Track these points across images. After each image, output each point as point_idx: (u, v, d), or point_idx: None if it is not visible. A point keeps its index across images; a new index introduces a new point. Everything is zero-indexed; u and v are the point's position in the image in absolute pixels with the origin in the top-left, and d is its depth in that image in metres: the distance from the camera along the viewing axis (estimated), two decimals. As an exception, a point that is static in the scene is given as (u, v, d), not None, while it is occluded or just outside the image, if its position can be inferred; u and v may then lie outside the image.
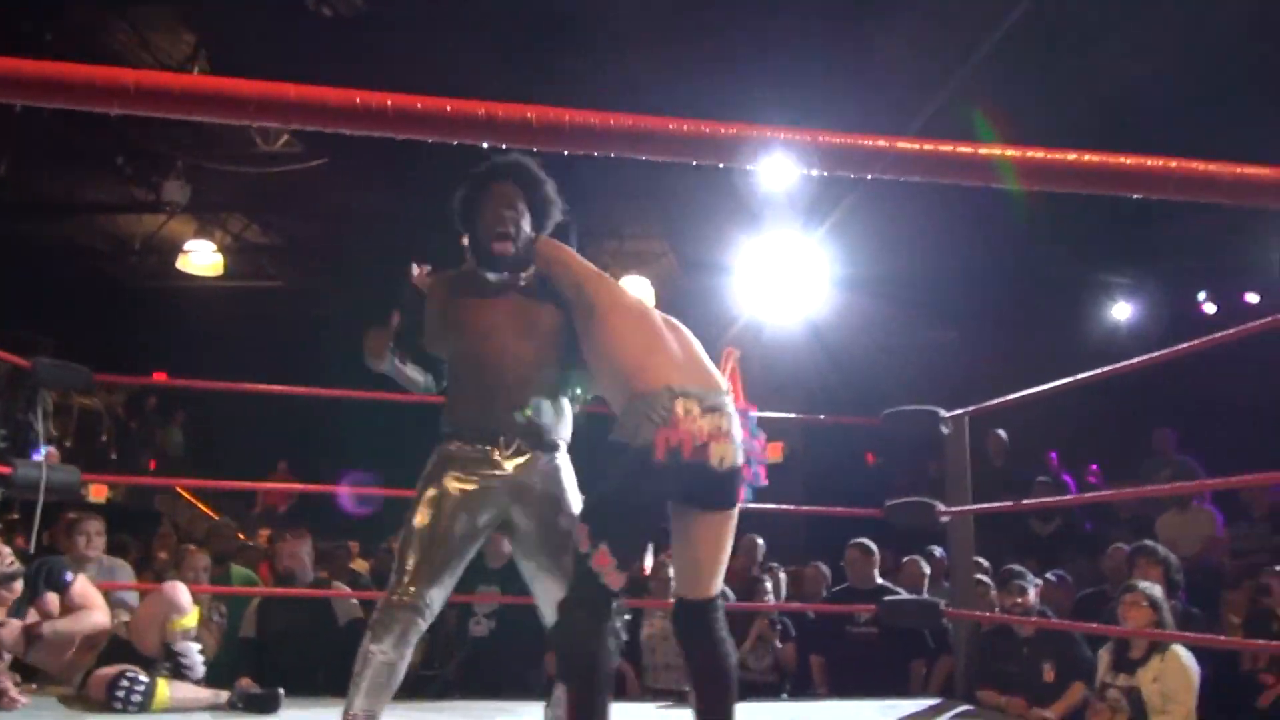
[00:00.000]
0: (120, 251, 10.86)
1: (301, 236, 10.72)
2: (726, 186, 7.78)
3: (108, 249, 10.87)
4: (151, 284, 10.94)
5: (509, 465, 2.42)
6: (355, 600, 4.57)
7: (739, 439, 2.23)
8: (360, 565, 7.19)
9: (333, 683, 4.03)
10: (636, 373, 2.25)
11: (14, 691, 3.15)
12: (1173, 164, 0.93)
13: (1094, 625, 3.82)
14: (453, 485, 2.38)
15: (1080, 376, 3.48)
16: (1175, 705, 3.37)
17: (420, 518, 2.36)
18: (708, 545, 2.29)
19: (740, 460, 2.23)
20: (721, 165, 1.04)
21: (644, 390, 2.19)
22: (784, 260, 8.34)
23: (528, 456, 2.44)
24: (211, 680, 3.52)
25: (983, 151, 0.98)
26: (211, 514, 9.34)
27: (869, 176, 1.05)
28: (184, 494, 10.03)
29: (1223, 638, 4.04)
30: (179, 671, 3.36)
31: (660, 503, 2.24)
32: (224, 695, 3.37)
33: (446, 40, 6.44)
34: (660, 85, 6.11)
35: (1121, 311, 9.48)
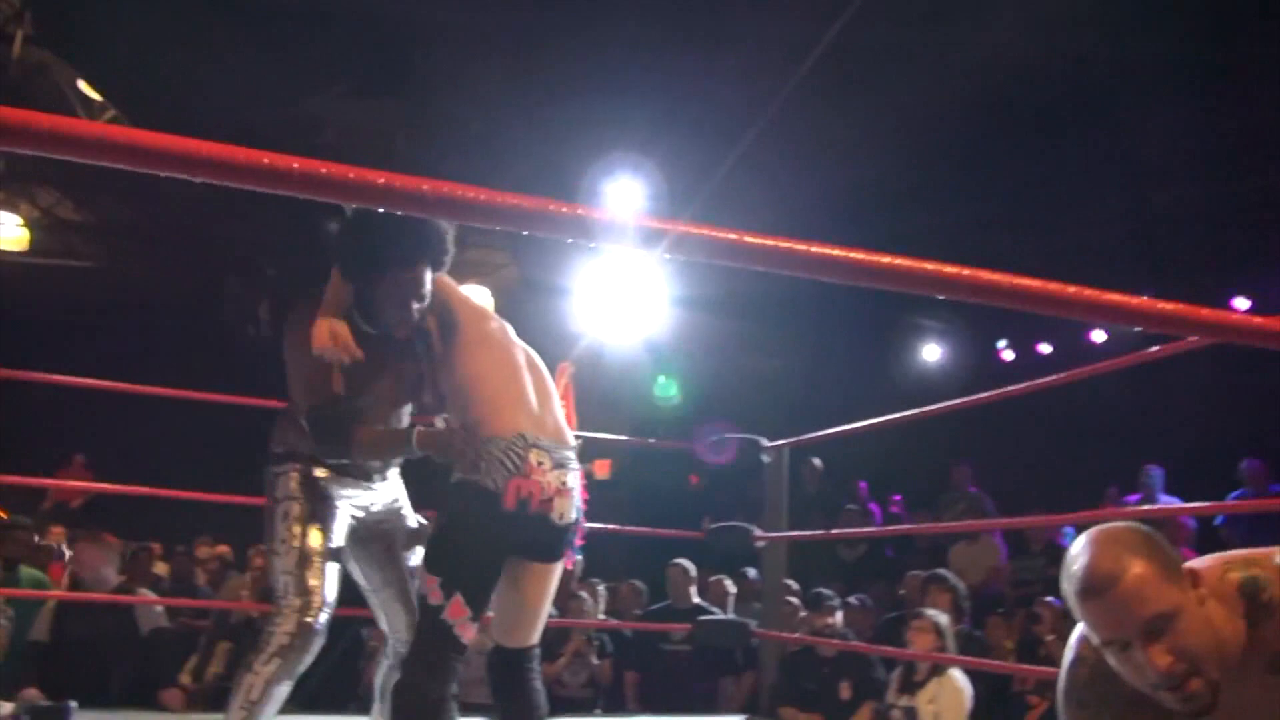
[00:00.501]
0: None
1: (118, 216, 10.10)
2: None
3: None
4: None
5: (377, 488, 2.46)
6: (160, 608, 4.36)
7: (578, 496, 2.25)
8: (162, 568, 6.82)
9: (130, 694, 3.84)
10: (493, 413, 2.22)
11: None
12: (928, 265, 1.04)
13: (887, 648, 4.10)
14: (332, 505, 2.36)
15: (892, 417, 3.76)
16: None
17: (314, 537, 2.30)
18: (534, 596, 2.30)
19: (576, 517, 2.25)
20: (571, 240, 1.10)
21: (498, 434, 2.17)
22: (624, 279, 8.50)
23: (389, 480, 2.50)
24: (-8, 689, 3.30)
25: (749, 240, 1.08)
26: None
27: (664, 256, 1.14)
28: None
29: (995, 662, 4.41)
30: None
31: (506, 553, 2.22)
32: (6, 707, 3.16)
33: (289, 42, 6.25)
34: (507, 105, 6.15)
35: (932, 353, 10.14)
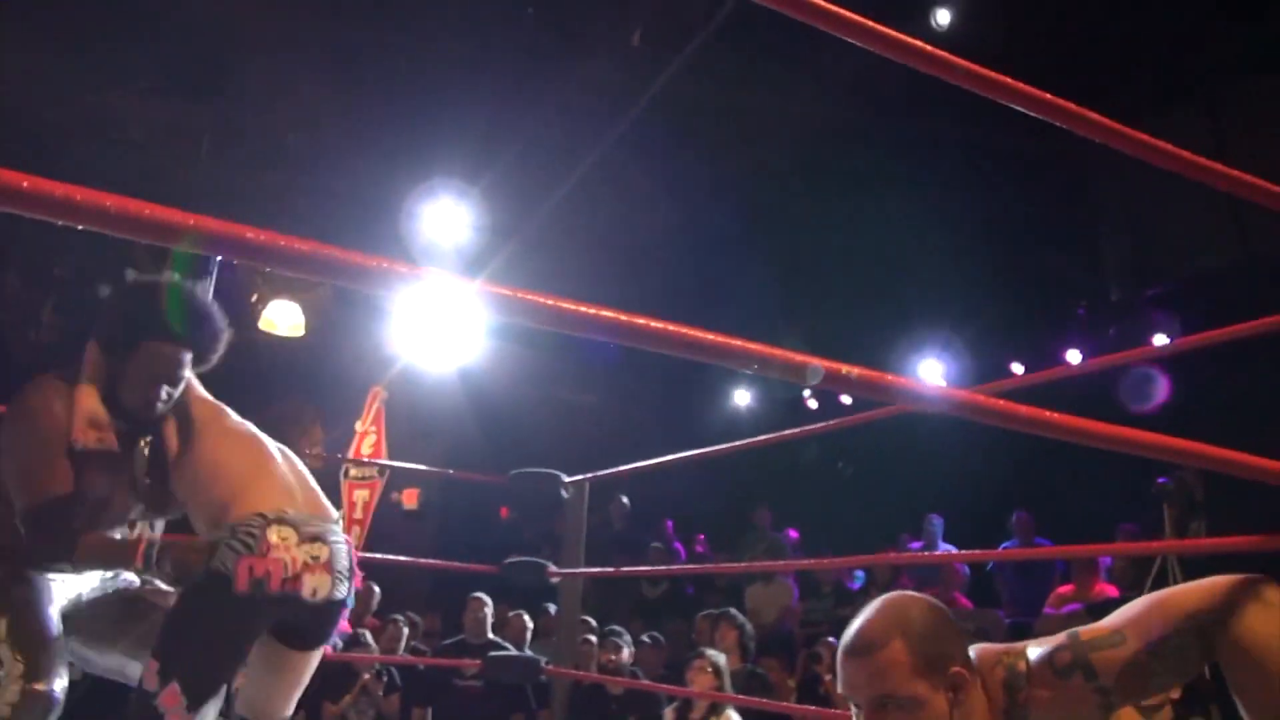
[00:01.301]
0: None
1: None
2: (389, 228, 7.74)
3: None
4: None
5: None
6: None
7: (343, 570, 2.09)
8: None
9: None
10: (233, 500, 2.07)
11: None
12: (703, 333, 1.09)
13: (669, 687, 4.17)
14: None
15: (690, 453, 3.83)
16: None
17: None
18: (287, 680, 2.18)
19: (340, 594, 2.09)
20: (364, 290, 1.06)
21: (234, 518, 2.03)
22: (441, 305, 8.36)
23: None
24: None
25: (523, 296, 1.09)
26: None
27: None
28: None
29: (773, 702, 4.56)
30: None
31: (246, 637, 2.06)
32: None
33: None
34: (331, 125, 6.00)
35: (742, 398, 10.48)
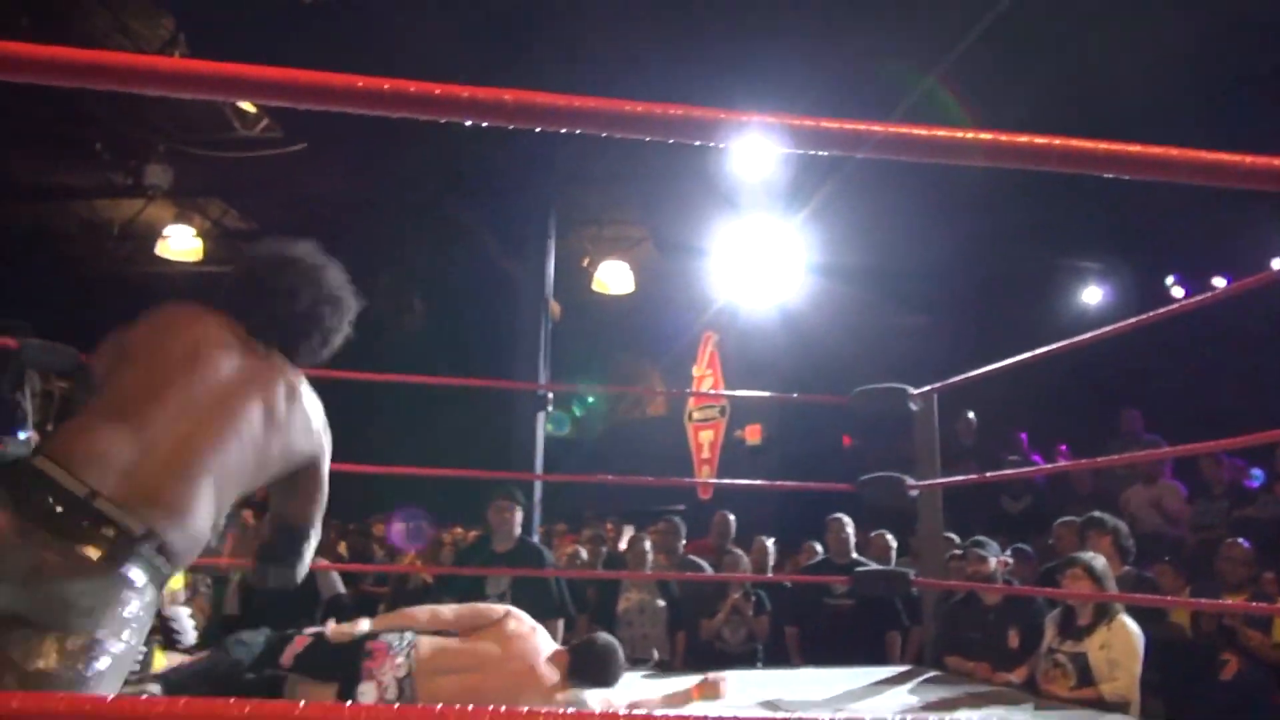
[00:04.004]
0: (97, 237, 10.84)
1: (279, 222, 10.74)
2: (704, 173, 7.88)
3: (84, 235, 10.85)
4: (129, 270, 10.92)
5: None
6: (336, 575, 4.66)
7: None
8: (342, 548, 7.27)
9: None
10: None
11: None
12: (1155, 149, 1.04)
13: (1055, 590, 3.95)
14: None
15: (1044, 350, 3.60)
16: (1121, 672, 3.48)
17: None
18: None
19: None
20: (698, 143, 1.14)
21: None
22: (760, 246, 8.45)
23: None
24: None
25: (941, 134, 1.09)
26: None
27: (858, 155, 1.16)
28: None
29: (1165, 597, 4.18)
30: (170, 639, 3.40)
31: None
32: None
33: (421, 26, 6.50)
34: (635, 71, 6.18)
35: (1092, 296, 9.65)
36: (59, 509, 1.56)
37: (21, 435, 3.94)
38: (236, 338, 1.90)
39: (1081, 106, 6.73)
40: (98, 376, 1.87)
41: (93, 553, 1.56)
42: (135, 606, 1.61)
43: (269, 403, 1.85)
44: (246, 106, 7.83)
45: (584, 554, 6.27)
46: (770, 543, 5.86)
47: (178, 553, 1.68)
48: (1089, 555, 3.85)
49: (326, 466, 2.03)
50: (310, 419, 1.95)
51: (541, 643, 2.99)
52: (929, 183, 7.61)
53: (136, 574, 1.61)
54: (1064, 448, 8.25)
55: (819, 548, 5.84)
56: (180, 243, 9.86)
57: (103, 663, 1.56)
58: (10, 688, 1.47)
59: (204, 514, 1.71)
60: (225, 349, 1.86)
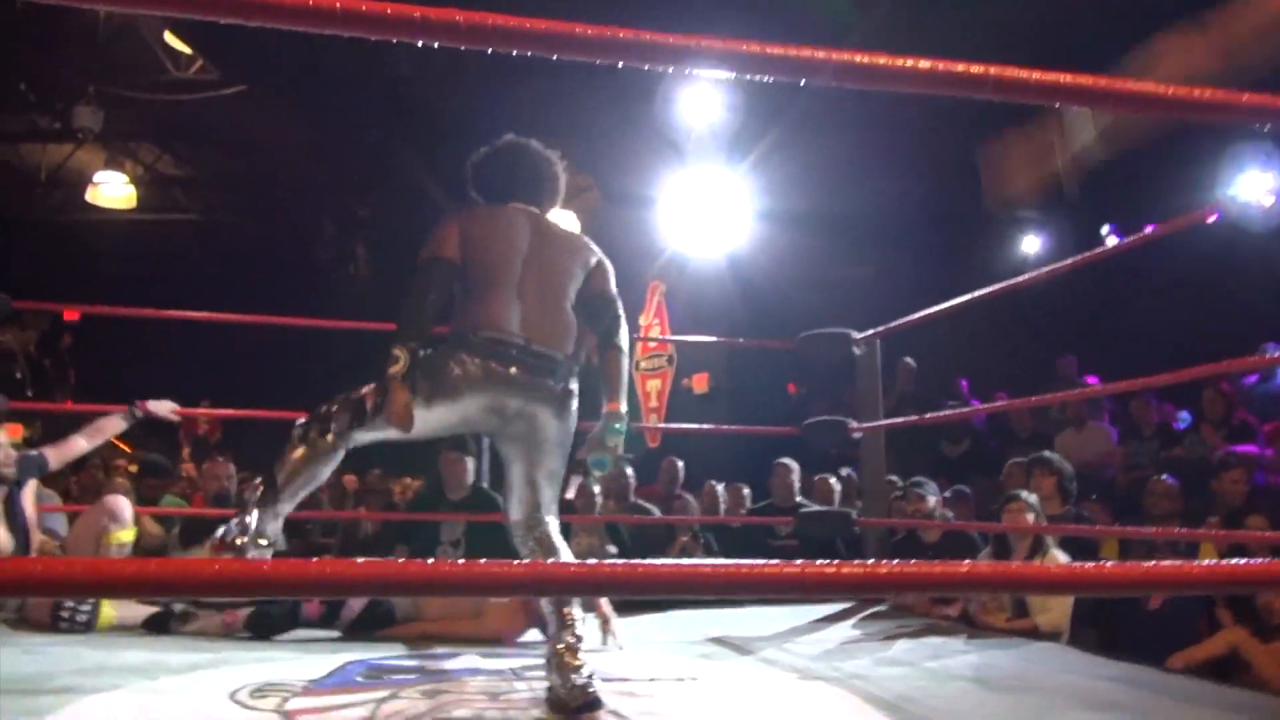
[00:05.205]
0: (24, 184, 10.46)
1: (217, 168, 10.46)
2: (650, 121, 7.83)
3: (9, 181, 10.46)
4: (58, 218, 10.58)
5: None
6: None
7: None
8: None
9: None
10: None
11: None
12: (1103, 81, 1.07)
13: (990, 524, 4.09)
14: None
15: (982, 291, 3.68)
16: (1054, 603, 3.63)
17: None
18: None
19: None
20: (646, 67, 1.15)
21: None
22: (707, 194, 8.45)
23: None
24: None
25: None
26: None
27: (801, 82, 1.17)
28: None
29: (1094, 527, 4.35)
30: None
31: None
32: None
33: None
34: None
35: (1030, 245, 9.83)
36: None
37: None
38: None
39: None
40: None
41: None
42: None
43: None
44: (179, 45, 7.56)
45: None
46: (721, 487, 5.95)
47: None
48: (1028, 494, 3.98)
49: None
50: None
51: None
52: (873, 129, 7.66)
53: None
54: (1002, 395, 8.44)
55: (746, 491, 5.97)
56: (112, 189, 9.55)
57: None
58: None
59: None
60: None
